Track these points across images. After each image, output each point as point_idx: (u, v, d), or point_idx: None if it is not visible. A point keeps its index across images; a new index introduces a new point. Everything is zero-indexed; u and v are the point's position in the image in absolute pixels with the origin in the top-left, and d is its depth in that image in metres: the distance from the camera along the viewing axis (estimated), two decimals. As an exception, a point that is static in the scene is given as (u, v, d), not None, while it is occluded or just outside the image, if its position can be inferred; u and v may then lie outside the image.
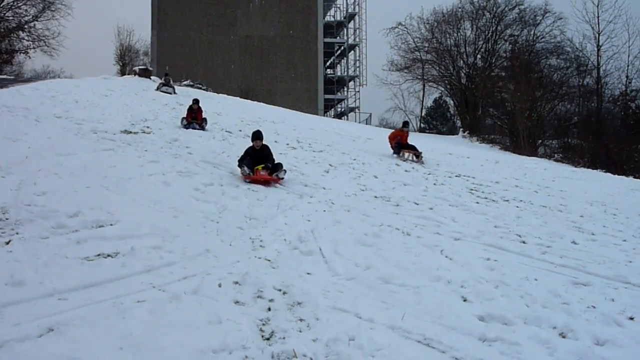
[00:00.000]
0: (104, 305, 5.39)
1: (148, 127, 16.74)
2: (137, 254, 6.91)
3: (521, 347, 5.49)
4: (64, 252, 6.59)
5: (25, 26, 51.57)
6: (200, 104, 20.10)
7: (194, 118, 19.18)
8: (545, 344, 5.62)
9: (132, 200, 9.20)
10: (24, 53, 52.99)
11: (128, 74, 41.93)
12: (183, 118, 18.97)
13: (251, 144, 13.08)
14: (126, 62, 57.65)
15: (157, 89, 27.07)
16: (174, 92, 26.70)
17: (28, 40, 52.15)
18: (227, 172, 12.59)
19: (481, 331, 5.79)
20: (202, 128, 18.87)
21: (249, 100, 36.15)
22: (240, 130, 19.53)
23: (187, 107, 20.04)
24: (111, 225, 7.81)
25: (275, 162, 12.82)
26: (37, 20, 51.57)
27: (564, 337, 5.89)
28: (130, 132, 15.20)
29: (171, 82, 27.72)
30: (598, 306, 6.87)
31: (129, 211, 8.53)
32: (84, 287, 5.74)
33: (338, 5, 61.32)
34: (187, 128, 18.30)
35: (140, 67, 40.12)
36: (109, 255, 6.75)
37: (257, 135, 13.10)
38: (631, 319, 6.56)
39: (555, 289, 7.35)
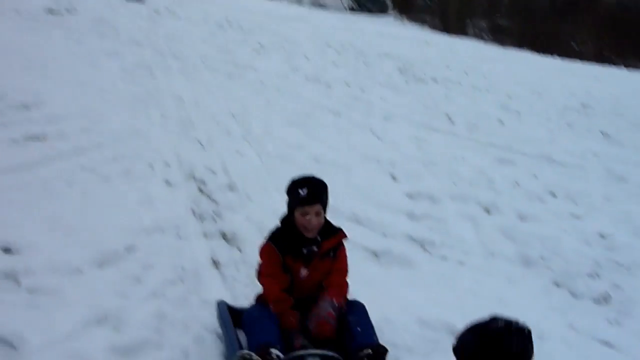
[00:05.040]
0: (34, 187, 5.27)
1: (73, 6, 15.96)
2: (66, 136, 6.70)
3: (448, 223, 5.67)
4: (-12, 135, 6.37)
5: None
6: None
7: None
8: (471, 220, 5.82)
9: (58, 81, 8.85)
10: None
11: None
12: None
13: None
14: None
15: None
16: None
17: None
18: (154, 51, 12.24)
19: (409, 208, 5.95)
20: None
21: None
22: (167, 8, 18.80)
23: None
24: (37, 107, 7.53)
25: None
26: None
27: (488, 212, 6.10)
28: (54, 11, 14.50)
29: None
30: (522, 183, 7.12)
31: (56, 93, 8.19)
32: (11, 170, 5.54)
33: None
34: None
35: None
36: (37, 138, 6.53)
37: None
38: (553, 195, 6.84)
39: (482, 167, 7.57)
